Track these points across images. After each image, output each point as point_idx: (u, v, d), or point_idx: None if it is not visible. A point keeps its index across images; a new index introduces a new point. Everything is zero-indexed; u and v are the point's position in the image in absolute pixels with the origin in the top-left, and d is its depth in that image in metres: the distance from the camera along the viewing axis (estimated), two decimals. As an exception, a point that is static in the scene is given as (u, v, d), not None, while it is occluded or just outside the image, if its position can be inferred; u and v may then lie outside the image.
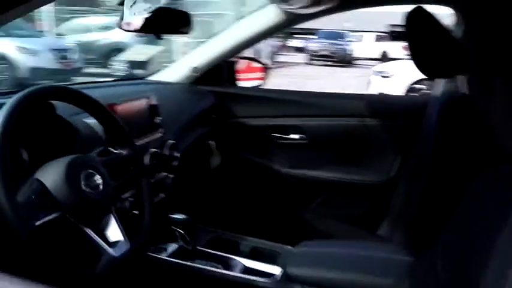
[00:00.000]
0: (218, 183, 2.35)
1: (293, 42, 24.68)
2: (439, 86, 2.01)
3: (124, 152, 1.20)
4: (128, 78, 2.45)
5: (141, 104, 1.59)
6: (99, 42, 11.83)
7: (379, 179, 2.13)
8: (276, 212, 2.30)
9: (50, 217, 0.93)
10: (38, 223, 0.90)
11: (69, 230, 0.98)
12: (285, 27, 2.09)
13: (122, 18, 1.34)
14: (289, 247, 1.55)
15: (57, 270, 0.89)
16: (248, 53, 2.37)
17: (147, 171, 1.24)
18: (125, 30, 1.40)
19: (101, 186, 1.04)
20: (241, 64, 2.45)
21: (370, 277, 1.29)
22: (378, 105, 2.17)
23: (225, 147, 2.29)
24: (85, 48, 11.23)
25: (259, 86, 2.45)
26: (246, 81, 2.47)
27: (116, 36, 11.18)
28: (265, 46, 14.82)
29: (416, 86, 8.79)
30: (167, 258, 1.46)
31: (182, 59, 2.23)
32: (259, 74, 2.51)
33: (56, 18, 11.81)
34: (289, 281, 1.34)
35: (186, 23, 1.50)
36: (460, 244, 0.97)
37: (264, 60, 3.04)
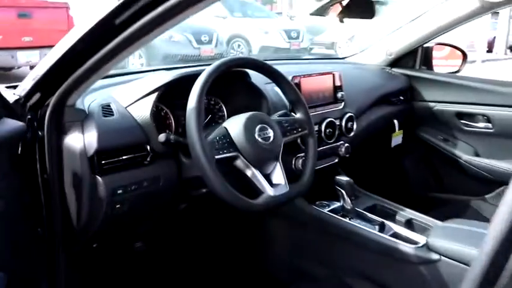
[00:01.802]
0: (395, 160, 2.48)
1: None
2: None
3: (298, 115, 1.46)
4: (329, 58, 2.69)
5: (326, 79, 1.83)
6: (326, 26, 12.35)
7: None
8: (452, 199, 2.34)
9: (227, 155, 1.24)
10: (218, 157, 1.21)
11: (240, 167, 1.27)
12: (482, 14, 2.08)
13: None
14: (439, 222, 1.64)
15: (226, 194, 1.19)
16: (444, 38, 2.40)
17: (314, 133, 1.47)
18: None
19: (271, 139, 1.31)
20: (439, 50, 2.50)
21: None
22: None
23: (409, 128, 2.39)
24: (314, 30, 11.84)
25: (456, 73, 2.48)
26: (443, 67, 2.52)
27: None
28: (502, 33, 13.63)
29: None
30: (328, 212, 1.69)
31: (378, 42, 2.39)
32: (457, 62, 2.52)
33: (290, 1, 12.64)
34: (429, 250, 1.45)
35: (370, 9, 1.67)
36: None
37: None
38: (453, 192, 2.37)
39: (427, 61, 2.46)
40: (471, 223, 1.60)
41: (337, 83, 1.87)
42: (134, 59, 8.66)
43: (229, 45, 10.60)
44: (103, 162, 1.23)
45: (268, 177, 1.32)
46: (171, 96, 1.43)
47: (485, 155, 2.25)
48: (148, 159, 1.31)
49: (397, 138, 2.34)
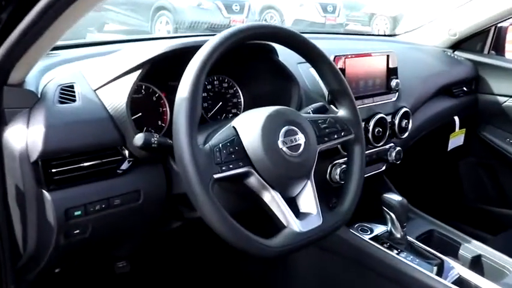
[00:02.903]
0: (450, 166, 2.04)
1: None
2: None
3: (342, 112, 1.04)
4: (376, 34, 2.25)
5: (377, 61, 1.39)
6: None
7: None
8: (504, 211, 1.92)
9: (235, 171, 0.83)
10: (218, 176, 0.80)
11: (254, 188, 0.87)
12: None
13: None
14: None
15: (229, 232, 0.79)
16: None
17: (363, 138, 1.05)
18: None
19: (301, 147, 0.90)
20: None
21: None
22: None
23: (472, 126, 1.94)
24: (350, 5, 11.29)
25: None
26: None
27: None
28: None
29: None
30: (370, 241, 1.28)
31: (439, 19, 1.92)
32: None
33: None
34: None
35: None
36: None
37: None
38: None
39: (498, 45, 2.00)
40: None
41: (392, 68, 1.42)
42: (161, 25, 8.32)
43: (261, 17, 10.19)
44: (53, 170, 0.85)
45: (293, 203, 0.92)
46: (164, 75, 1.03)
47: None
48: (123, 167, 0.92)
49: (456, 139, 1.89)
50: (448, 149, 1.89)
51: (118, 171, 0.92)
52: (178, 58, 0.95)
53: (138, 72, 0.93)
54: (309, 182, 0.93)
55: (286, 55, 1.14)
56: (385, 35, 2.25)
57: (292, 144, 0.89)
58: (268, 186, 0.87)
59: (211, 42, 0.84)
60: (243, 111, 1.21)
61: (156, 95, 1.08)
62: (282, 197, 0.88)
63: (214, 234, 0.80)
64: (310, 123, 0.96)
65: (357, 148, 1.04)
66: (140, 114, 1.03)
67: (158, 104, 1.09)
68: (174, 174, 0.96)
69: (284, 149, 0.87)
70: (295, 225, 0.87)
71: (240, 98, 1.23)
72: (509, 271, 1.23)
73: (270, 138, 0.86)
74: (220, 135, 0.85)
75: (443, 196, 2.08)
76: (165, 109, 1.10)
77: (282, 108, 0.93)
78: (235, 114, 1.22)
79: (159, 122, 1.09)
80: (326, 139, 0.99)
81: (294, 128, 0.90)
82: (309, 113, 1.08)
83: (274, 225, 0.87)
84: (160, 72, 1.03)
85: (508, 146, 1.92)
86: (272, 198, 0.87)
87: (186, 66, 0.84)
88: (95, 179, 0.89)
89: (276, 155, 0.86)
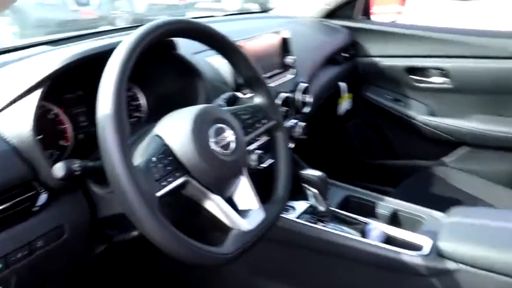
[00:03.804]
0: (347, 130, 2.14)
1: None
2: None
3: (257, 99, 1.01)
4: (249, 12, 2.24)
5: (271, 40, 1.38)
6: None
7: None
8: (409, 164, 2.06)
9: (175, 184, 0.76)
10: (160, 193, 0.73)
11: (194, 197, 0.82)
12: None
13: None
14: (436, 214, 1.31)
15: (183, 251, 0.73)
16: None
17: (283, 122, 1.03)
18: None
19: (232, 144, 0.85)
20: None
21: None
22: None
23: (356, 90, 2.04)
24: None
25: (396, 21, 2.14)
26: (381, 14, 2.17)
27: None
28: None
29: None
30: (296, 219, 1.28)
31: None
32: (396, 7, 2.19)
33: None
34: (441, 257, 1.11)
35: None
36: None
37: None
38: (407, 157, 2.09)
39: (366, 9, 2.10)
40: (479, 212, 1.29)
41: (286, 46, 1.42)
42: (2, 26, 7.55)
43: (113, 5, 9.69)
44: None
45: (232, 203, 0.88)
46: (58, 88, 0.91)
47: (442, 114, 1.97)
48: (39, 203, 0.80)
49: (345, 104, 1.97)
50: (338, 114, 1.97)
51: (34, 209, 0.80)
52: (77, 67, 0.85)
53: (41, 89, 0.81)
54: (243, 177, 0.90)
55: (181, 47, 1.07)
56: (260, 11, 2.24)
57: (224, 142, 0.84)
58: (207, 191, 0.81)
59: (127, 44, 0.75)
60: (148, 114, 1.13)
61: (52, 112, 0.96)
62: (223, 198, 0.84)
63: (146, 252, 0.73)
64: (234, 117, 0.92)
65: (279, 133, 1.03)
66: (42, 136, 0.91)
67: (56, 122, 0.97)
68: (98, 198, 0.86)
69: (217, 149, 0.82)
70: (242, 224, 0.84)
71: (140, 100, 1.14)
72: (423, 219, 1.31)
73: (201, 141, 0.80)
74: (149, 148, 0.77)
75: (342, 159, 2.17)
76: (65, 126, 0.98)
77: (204, 106, 0.87)
78: (138, 118, 1.14)
79: (61, 142, 0.97)
80: (250, 130, 0.95)
81: (222, 125, 0.85)
82: (223, 105, 1.04)
83: (221, 229, 0.83)
84: (54, 87, 0.91)
85: (388, 102, 2.05)
86: (214, 203, 0.82)
87: (89, 74, 0.75)
88: (9, 224, 0.76)
89: (210, 157, 0.81)
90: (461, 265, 1.09)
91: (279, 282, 1.32)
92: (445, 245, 1.12)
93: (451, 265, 1.10)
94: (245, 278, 1.36)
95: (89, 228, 0.88)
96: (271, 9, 2.11)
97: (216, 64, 1.18)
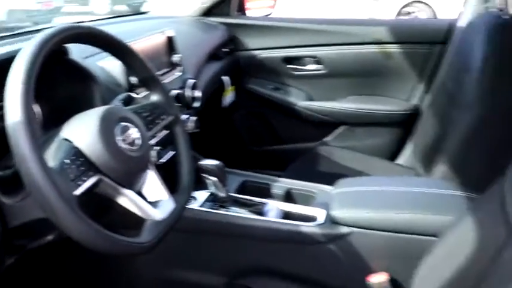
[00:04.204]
0: (233, 121, 2.24)
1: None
2: (469, 6, 1.84)
3: (154, 97, 1.07)
4: (127, 14, 2.25)
5: (157, 40, 1.43)
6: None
7: (399, 108, 2.04)
8: (294, 147, 2.22)
9: (89, 184, 0.79)
10: (77, 192, 0.76)
11: (107, 194, 0.86)
12: None
13: None
14: (325, 187, 1.45)
15: (104, 243, 0.77)
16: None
17: (180, 117, 1.10)
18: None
19: (137, 141, 0.90)
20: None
21: (428, 215, 1.20)
22: (398, 31, 2.02)
23: (239, 82, 2.15)
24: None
25: (270, 14, 2.29)
26: (256, 10, 2.30)
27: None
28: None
29: (407, 9, 8.56)
30: (200, 207, 1.36)
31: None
32: (268, 1, 2.34)
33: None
34: (335, 224, 1.25)
35: None
36: None
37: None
38: (292, 141, 2.25)
39: (241, 6, 2.22)
40: (362, 181, 1.45)
41: (172, 44, 1.48)
42: None
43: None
44: None
45: (143, 196, 0.93)
46: None
47: (320, 98, 2.15)
48: None
49: (229, 97, 2.07)
50: (222, 106, 2.07)
51: None
52: None
53: None
54: (151, 171, 0.95)
55: (72, 52, 1.09)
56: (137, 13, 2.26)
57: (130, 140, 0.88)
58: (119, 187, 0.85)
59: (29, 51, 0.77)
60: (43, 122, 1.13)
61: None
62: (134, 192, 0.89)
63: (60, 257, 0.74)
64: (135, 115, 0.96)
65: (178, 127, 1.09)
66: None
67: None
68: (7, 208, 0.87)
69: (124, 146, 0.86)
70: (154, 215, 0.89)
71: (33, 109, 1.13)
72: (314, 193, 1.45)
73: (108, 140, 0.84)
74: (59, 152, 0.79)
75: (232, 148, 2.27)
76: None
77: (107, 107, 0.90)
78: None
79: None
80: (151, 126, 1.00)
81: (126, 124, 0.89)
82: (120, 106, 1.07)
83: (137, 222, 0.88)
84: None
85: (270, 92, 2.18)
86: (126, 197, 0.87)
87: None
88: None
89: (119, 155, 0.85)
90: (353, 228, 1.23)
91: (193, 270, 1.39)
92: (336, 213, 1.25)
93: (344, 230, 1.24)
94: (160, 271, 1.41)
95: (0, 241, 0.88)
96: (147, 12, 2.15)
97: (107, 67, 1.21)
